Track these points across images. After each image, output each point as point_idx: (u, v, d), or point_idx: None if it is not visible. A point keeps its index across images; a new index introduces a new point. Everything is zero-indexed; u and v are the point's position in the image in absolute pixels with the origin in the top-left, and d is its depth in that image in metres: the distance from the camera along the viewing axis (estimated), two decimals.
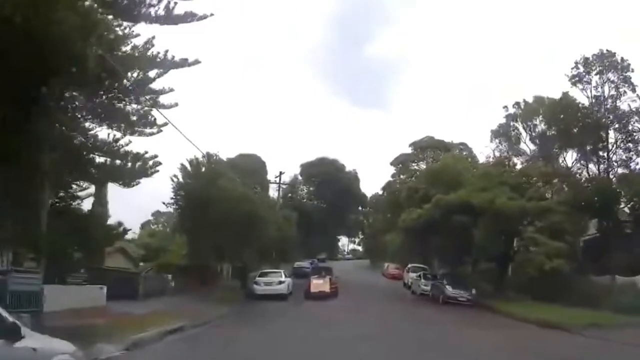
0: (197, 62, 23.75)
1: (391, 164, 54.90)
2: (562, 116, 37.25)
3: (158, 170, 23.48)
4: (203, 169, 31.49)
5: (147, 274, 26.92)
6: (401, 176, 54.30)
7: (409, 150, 53.85)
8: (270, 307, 24.48)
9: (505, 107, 52.63)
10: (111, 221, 25.12)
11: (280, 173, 46.11)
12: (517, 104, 53.14)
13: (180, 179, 31.45)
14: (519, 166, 35.95)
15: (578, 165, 39.14)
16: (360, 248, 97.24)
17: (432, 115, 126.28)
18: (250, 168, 39.76)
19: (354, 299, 29.94)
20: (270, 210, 34.14)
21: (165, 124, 22.31)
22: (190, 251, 32.38)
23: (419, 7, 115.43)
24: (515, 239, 29.46)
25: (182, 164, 31.45)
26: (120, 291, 21.91)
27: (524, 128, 53.82)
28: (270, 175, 46.40)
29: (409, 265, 40.92)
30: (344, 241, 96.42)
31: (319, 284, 29.23)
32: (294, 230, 37.11)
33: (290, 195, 49.45)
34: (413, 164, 52.51)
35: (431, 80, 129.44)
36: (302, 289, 30.72)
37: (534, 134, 51.83)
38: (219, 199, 28.10)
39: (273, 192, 46.85)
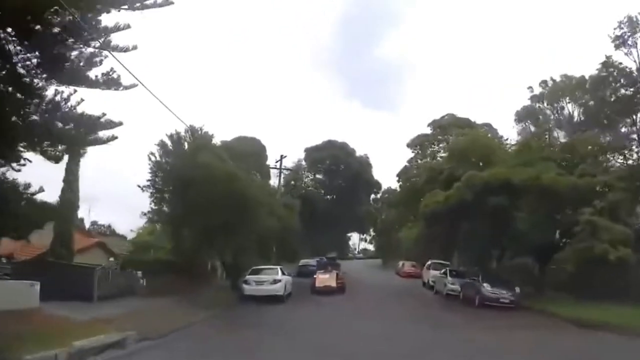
0: (169, 2, 18.73)
1: (408, 145, 49.40)
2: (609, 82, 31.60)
3: (116, 137, 18.66)
4: (185, 146, 26.42)
5: (104, 269, 21.71)
6: (419, 161, 48.88)
7: (427, 131, 48.19)
8: (261, 313, 19.43)
9: (530, 87, 48.19)
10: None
11: (282, 157, 40.55)
12: (544, 82, 48.43)
13: (159, 158, 26.42)
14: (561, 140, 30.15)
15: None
16: (371, 247, 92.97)
17: (445, 105, 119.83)
18: (247, 151, 34.48)
19: (368, 300, 25.02)
20: (268, 195, 29.00)
21: (134, 85, 17.68)
22: (172, 245, 27.30)
23: None
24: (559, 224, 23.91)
25: (160, 140, 26.48)
26: (70, 290, 17.69)
27: (551, 110, 49.37)
28: (272, 163, 40.89)
29: (430, 262, 35.62)
30: (354, 240, 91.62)
31: (324, 279, 27.79)
32: (296, 220, 31.74)
33: (293, 183, 43.25)
34: (432, 146, 46.66)
35: (444, 72, 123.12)
36: (307, 289, 27.78)
37: (561, 117, 47.20)
38: (202, 180, 23.11)
39: (275, 181, 41.41)
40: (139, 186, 27.00)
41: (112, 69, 17.79)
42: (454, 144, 32.04)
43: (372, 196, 48.24)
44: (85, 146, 17.67)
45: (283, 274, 24.78)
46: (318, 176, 46.10)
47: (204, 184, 23.33)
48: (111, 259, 28.72)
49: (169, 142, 26.88)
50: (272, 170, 40.89)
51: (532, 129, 44.82)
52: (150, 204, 26.37)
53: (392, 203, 63.55)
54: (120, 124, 19.23)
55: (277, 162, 40.38)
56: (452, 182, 27.44)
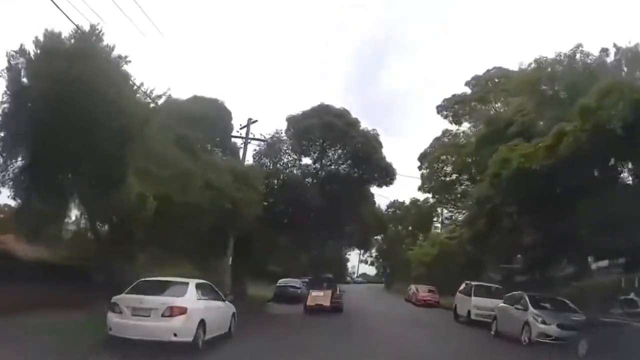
0: None
1: (438, 109, 36.53)
2: None
3: None
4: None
5: None
6: (445, 139, 36.48)
7: (466, 90, 35.42)
8: None
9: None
10: None
11: (250, 121, 26.68)
12: (605, 51, 36.34)
13: (23, 78, 14.59)
14: None
15: None
16: (373, 270, 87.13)
17: None
18: (204, 114, 22.64)
19: (384, 347, 12.69)
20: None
21: None
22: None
23: None
24: None
25: (21, 46, 14.41)
26: None
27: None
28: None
29: (469, 284, 23.15)
30: (353, 261, 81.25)
31: (318, 297, 25.15)
32: (259, 197, 18.98)
33: (268, 162, 28.73)
34: (479, 106, 33.26)
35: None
36: (278, 322, 21.42)
37: None
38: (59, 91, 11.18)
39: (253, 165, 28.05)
40: None
41: None
42: (533, 72, 19.22)
43: (384, 188, 33.88)
44: None
45: (203, 296, 11.64)
46: (306, 160, 31.42)
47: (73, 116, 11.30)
48: None
49: (34, 51, 14.69)
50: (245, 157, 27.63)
51: None
52: None
53: (399, 217, 56.46)
54: None
55: (242, 127, 26.77)
56: (530, 137, 15.24)
